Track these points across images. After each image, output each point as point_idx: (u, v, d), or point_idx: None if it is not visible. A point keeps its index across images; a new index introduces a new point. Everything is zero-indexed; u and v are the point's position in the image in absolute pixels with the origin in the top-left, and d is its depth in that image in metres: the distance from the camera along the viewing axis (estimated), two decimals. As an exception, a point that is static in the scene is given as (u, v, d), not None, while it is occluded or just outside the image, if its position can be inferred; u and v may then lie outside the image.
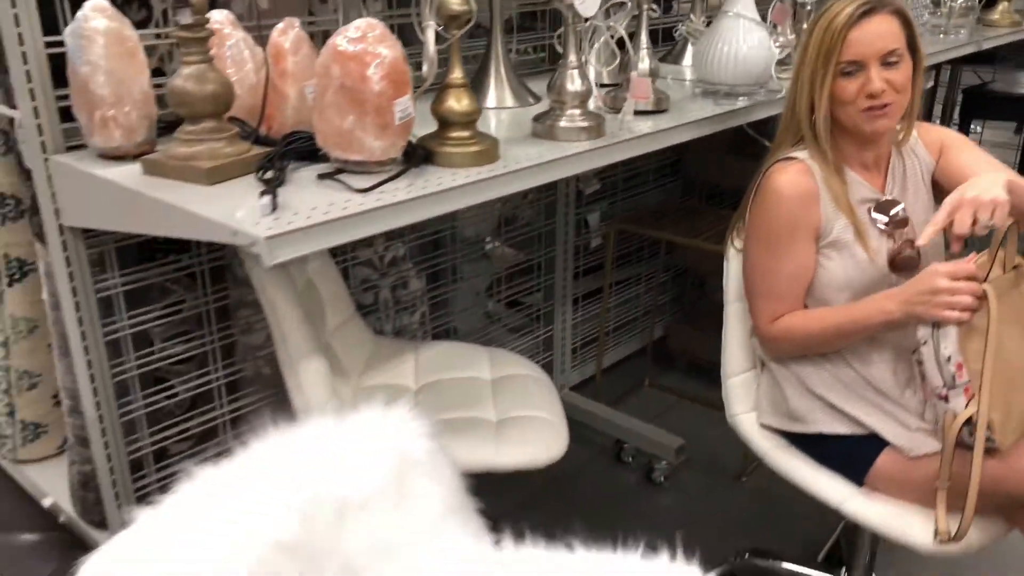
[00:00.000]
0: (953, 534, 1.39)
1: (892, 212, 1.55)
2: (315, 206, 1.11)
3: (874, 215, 1.55)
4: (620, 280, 2.93)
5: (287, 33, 1.29)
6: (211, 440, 1.87)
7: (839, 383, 1.56)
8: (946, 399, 1.39)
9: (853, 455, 1.55)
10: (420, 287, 2.26)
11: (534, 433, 1.70)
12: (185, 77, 1.16)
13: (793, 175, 1.52)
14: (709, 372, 2.97)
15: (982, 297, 1.34)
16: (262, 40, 1.34)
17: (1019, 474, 1.38)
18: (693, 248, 2.72)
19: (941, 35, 2.65)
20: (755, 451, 1.74)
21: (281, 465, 1.06)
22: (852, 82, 1.46)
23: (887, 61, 1.45)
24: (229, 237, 1.07)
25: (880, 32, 1.44)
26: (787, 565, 2.07)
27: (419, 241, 2.24)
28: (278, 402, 1.88)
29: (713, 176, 2.82)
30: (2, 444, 2.04)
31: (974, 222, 1.33)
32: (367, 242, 2.07)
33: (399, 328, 2.23)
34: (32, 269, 1.90)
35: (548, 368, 2.63)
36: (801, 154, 1.54)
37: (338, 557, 1.08)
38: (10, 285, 1.89)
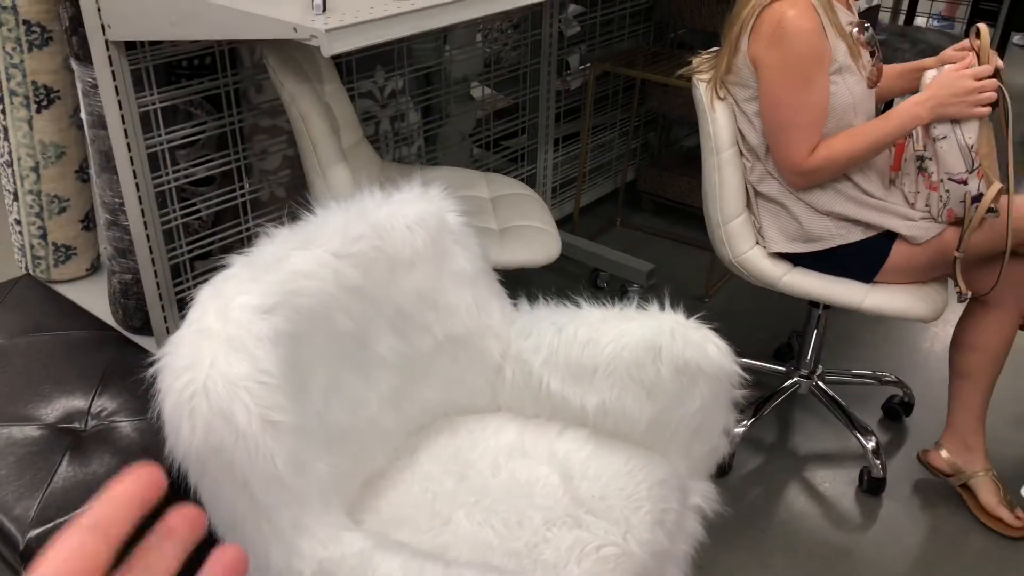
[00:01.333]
0: (968, 293, 1.75)
1: (867, 32, 1.76)
2: (359, 9, 1.27)
3: (862, 35, 1.74)
4: (596, 126, 3.12)
5: None
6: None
7: (843, 197, 1.76)
8: (965, 182, 1.66)
9: (866, 257, 1.80)
10: (417, 120, 2.42)
11: (533, 238, 1.93)
12: None
13: (803, 10, 1.63)
14: (674, 211, 3.23)
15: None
16: None
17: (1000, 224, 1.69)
18: (663, 91, 2.91)
19: None
20: (766, 280, 1.88)
21: (342, 225, 1.26)
22: None
23: None
24: (289, 33, 1.23)
25: None
26: (744, 360, 2.37)
27: (414, 75, 2.39)
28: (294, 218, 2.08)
29: (685, 20, 2.97)
30: (36, 265, 2.21)
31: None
32: (368, 73, 2.22)
33: (398, 159, 2.41)
34: (58, 96, 2.02)
35: (531, 203, 2.84)
36: None
37: (392, 303, 1.31)
38: (38, 111, 2.01)
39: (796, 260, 1.86)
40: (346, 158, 1.89)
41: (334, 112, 1.95)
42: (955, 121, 1.63)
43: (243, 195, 2.01)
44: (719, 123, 1.80)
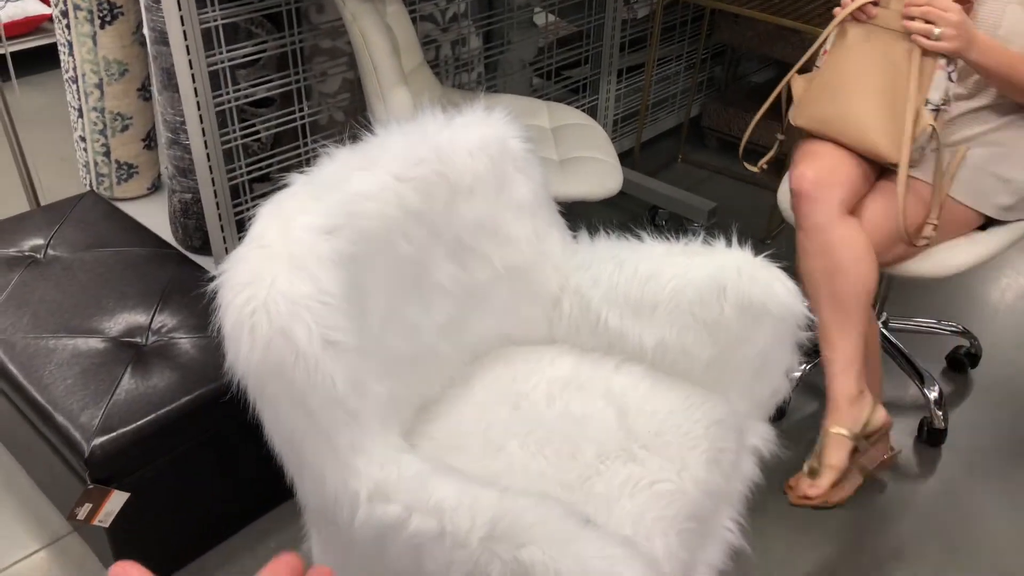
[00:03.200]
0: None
1: None
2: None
3: None
4: (662, 57, 3.02)
5: None
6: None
7: None
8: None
9: None
10: (478, 46, 2.36)
11: (593, 169, 1.88)
12: None
13: None
14: (739, 149, 3.13)
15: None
16: None
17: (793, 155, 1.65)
18: (735, 23, 2.79)
19: None
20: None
21: (403, 148, 1.24)
22: None
23: None
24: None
25: None
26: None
27: (477, -1, 2.32)
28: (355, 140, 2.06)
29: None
30: (100, 182, 2.24)
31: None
32: (432, -5, 2.16)
33: (458, 85, 2.36)
34: (121, 12, 2.01)
35: (591, 135, 2.77)
36: None
37: (452, 230, 1.29)
38: (102, 27, 2.01)
39: None
40: (407, 81, 1.86)
41: (395, 34, 1.91)
42: None
43: (303, 118, 1.99)
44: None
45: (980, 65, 1.53)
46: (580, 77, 2.80)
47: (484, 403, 1.32)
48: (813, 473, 1.52)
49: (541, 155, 1.94)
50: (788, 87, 1.74)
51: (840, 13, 1.59)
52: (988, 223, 1.71)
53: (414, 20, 2.12)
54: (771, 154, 1.76)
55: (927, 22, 1.49)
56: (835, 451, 1.51)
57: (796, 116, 1.71)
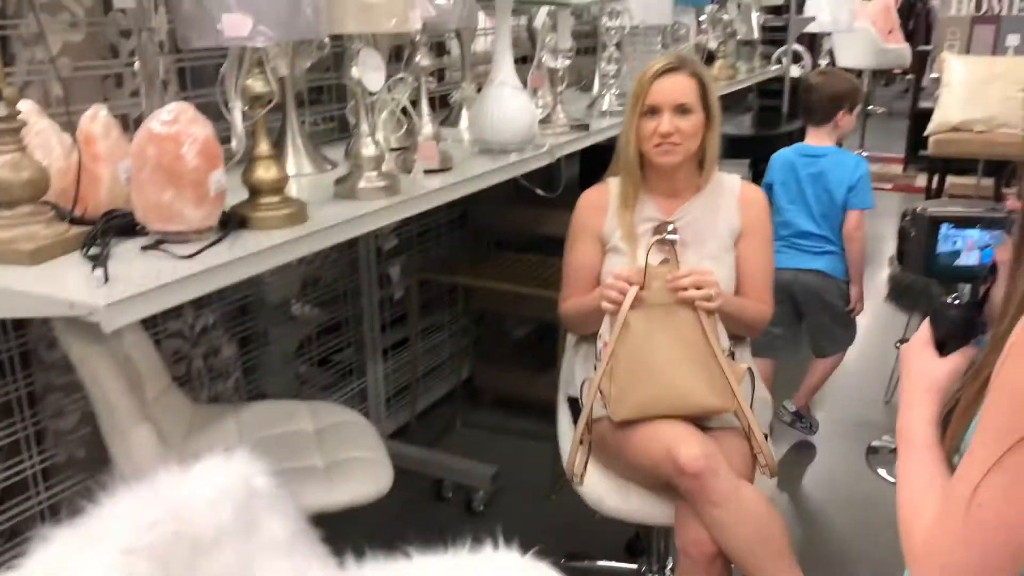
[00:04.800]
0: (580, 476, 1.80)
1: (664, 233, 1.87)
2: (144, 274, 1.21)
3: (655, 235, 1.87)
4: (425, 328, 3.12)
5: (96, 119, 1.38)
6: (29, 531, 1.83)
7: (581, 356, 1.98)
8: (595, 368, 1.77)
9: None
10: (232, 353, 2.32)
11: (361, 471, 1.83)
12: (0, 166, 1.22)
13: (593, 192, 1.98)
14: (515, 403, 3.23)
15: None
16: (68, 126, 1.41)
17: (627, 442, 1.74)
18: (487, 291, 2.97)
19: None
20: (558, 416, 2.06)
21: (133, 513, 1.14)
22: (651, 122, 1.82)
23: (680, 110, 1.81)
24: (66, 310, 1.14)
25: (675, 87, 1.82)
26: (600, 563, 2.32)
27: (228, 308, 2.31)
28: (95, 485, 1.88)
29: (497, 224, 3.09)
30: None
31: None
32: (176, 313, 2.12)
33: (214, 396, 2.28)
34: None
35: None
36: (614, 179, 1.95)
37: (198, 593, 1.17)
38: None
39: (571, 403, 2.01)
40: (149, 415, 1.76)
41: (135, 362, 1.83)
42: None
43: (32, 465, 1.81)
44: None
45: (724, 311, 1.77)
46: (347, 362, 2.81)
47: None
48: None
49: (304, 464, 1.88)
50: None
51: (621, 308, 1.70)
52: None
53: (158, 341, 2.05)
54: (584, 458, 1.81)
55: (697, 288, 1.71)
56: None
57: (617, 412, 1.73)
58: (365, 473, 1.83)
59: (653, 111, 1.82)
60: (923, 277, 1.33)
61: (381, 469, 1.85)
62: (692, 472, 1.62)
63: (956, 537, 0.85)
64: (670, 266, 1.75)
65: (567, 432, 1.97)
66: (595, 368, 1.78)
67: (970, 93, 3.01)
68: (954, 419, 0.94)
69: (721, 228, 1.92)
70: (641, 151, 1.87)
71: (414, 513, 2.63)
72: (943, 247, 1.27)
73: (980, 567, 0.84)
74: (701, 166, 1.92)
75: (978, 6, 5.10)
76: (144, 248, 1.29)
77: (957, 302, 1.06)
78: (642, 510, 1.81)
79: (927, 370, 1.04)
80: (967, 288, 1.09)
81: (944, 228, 1.26)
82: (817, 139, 2.87)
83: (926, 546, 0.89)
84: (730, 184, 1.96)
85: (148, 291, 1.16)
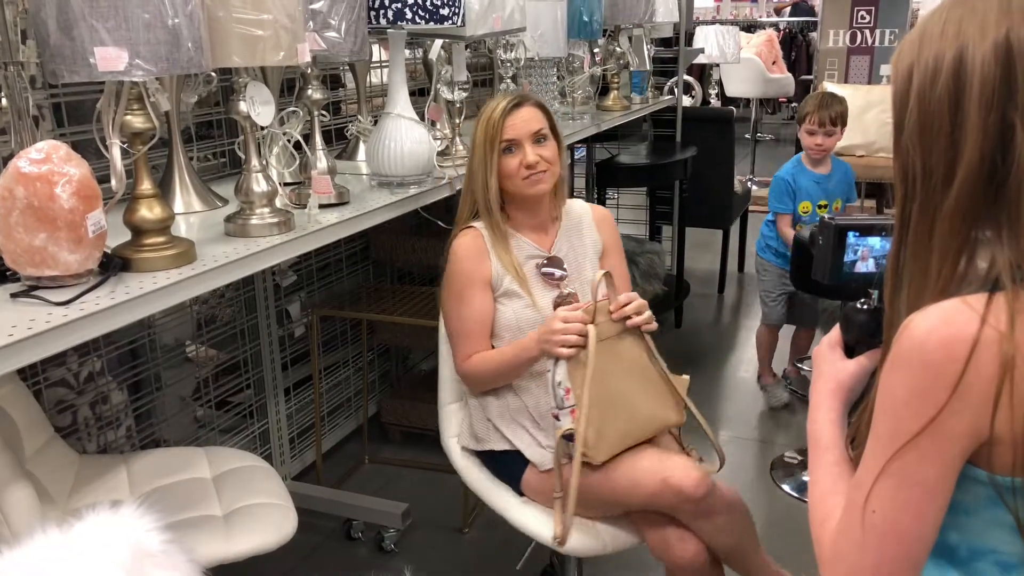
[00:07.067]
0: (559, 538, 1.70)
1: (555, 267, 1.90)
2: (15, 324, 1.13)
3: (544, 270, 1.89)
4: (328, 365, 3.05)
5: (-42, 160, 1.29)
6: None
7: (506, 409, 1.87)
8: (557, 418, 1.68)
9: (512, 469, 1.87)
10: (123, 400, 2.21)
11: (263, 518, 1.76)
12: None
13: (467, 239, 1.87)
14: (423, 438, 3.17)
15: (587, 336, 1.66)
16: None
17: (612, 483, 1.72)
18: (391, 324, 2.92)
19: (570, 120, 3.15)
20: (456, 467, 1.99)
21: (8, 584, 1.05)
22: (513, 158, 1.82)
23: (537, 139, 1.83)
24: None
25: (528, 117, 1.83)
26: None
27: (117, 352, 2.20)
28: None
29: (399, 257, 3.05)
30: None
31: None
32: (59, 360, 2.00)
33: (104, 445, 2.16)
34: None
35: (267, 461, 2.64)
36: (478, 224, 1.88)
37: (81, 664, 1.09)
38: None
39: (478, 456, 1.96)
40: (30, 471, 1.65)
41: (11, 416, 1.71)
42: (555, 358, 1.67)
43: None
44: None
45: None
46: (247, 403, 2.71)
47: None
48: None
49: (202, 514, 1.79)
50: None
51: (588, 349, 1.64)
52: None
53: (39, 392, 1.93)
54: (557, 522, 1.71)
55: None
56: None
57: (598, 454, 1.67)
58: (267, 520, 1.75)
59: (511, 147, 1.82)
60: (831, 284, 1.40)
61: (284, 514, 1.78)
62: (700, 496, 1.68)
63: (855, 543, 0.88)
64: (610, 298, 1.75)
65: (462, 469, 1.96)
66: (557, 418, 1.67)
67: (850, 120, 3.17)
68: (864, 422, 0.96)
69: (589, 251, 1.96)
70: (505, 190, 1.85)
71: (324, 556, 2.54)
72: (849, 255, 1.36)
73: (878, 572, 0.87)
74: (555, 194, 1.93)
75: (852, 39, 5.41)
76: (14, 295, 1.21)
77: (866, 307, 1.09)
78: (614, 543, 1.80)
79: (833, 372, 1.08)
80: (876, 293, 1.12)
81: (851, 236, 1.35)
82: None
83: (833, 550, 0.92)
84: (579, 208, 2.00)
85: (16, 342, 1.09)
